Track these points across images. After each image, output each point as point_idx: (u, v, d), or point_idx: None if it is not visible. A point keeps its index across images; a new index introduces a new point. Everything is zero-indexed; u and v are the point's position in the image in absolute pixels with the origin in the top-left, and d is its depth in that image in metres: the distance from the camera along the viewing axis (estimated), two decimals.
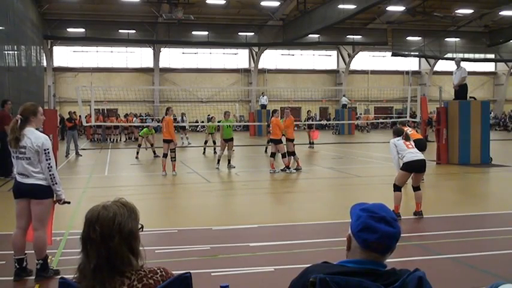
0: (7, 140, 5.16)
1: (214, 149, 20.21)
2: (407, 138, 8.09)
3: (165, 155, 13.62)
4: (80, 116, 26.57)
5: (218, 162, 14.85)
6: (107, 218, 1.97)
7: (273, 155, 14.23)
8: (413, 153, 7.85)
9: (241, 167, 15.54)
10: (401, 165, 7.94)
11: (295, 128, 17.19)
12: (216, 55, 44.10)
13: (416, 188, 7.99)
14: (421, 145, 9.54)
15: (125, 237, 1.98)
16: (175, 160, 13.68)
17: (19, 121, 5.08)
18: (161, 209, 9.56)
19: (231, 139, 15.16)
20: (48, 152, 5.11)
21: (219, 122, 18.29)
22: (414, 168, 7.84)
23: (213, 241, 6.69)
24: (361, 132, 37.80)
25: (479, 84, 47.98)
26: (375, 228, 1.87)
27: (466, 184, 12.35)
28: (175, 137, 13.90)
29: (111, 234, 1.96)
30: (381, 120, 39.32)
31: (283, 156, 14.07)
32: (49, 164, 5.10)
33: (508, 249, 6.30)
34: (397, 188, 7.87)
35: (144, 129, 19.54)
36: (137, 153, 18.76)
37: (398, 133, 8.24)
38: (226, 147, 15.12)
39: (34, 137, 5.10)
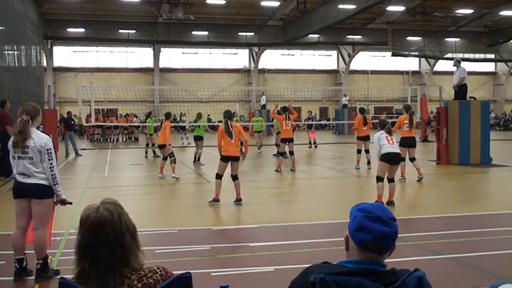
0: (13, 141, 5.13)
1: None
2: (389, 132, 8.76)
3: (164, 158, 13.22)
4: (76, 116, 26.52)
5: (196, 159, 15.96)
6: (114, 219, 1.99)
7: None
8: (391, 147, 8.57)
9: (240, 167, 15.51)
10: (379, 156, 8.63)
11: (296, 128, 17.23)
12: (216, 55, 44.10)
13: (391, 180, 8.73)
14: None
15: (132, 233, 2.03)
16: (175, 162, 13.06)
17: (30, 122, 5.10)
18: (161, 209, 9.56)
19: (201, 138, 16.29)
20: (51, 152, 5.12)
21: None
22: (390, 159, 8.51)
23: (213, 241, 6.70)
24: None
25: (479, 84, 47.99)
26: (370, 228, 1.87)
27: (466, 184, 12.34)
28: (169, 141, 13.18)
29: (123, 233, 1.99)
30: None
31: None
32: (51, 164, 5.11)
33: (508, 249, 6.30)
34: (379, 179, 8.58)
35: (148, 120, 19.67)
36: (146, 152, 18.90)
37: (382, 125, 8.98)
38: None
39: (37, 137, 5.12)
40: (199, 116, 17.33)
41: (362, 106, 18.05)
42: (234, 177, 9.18)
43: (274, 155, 17.99)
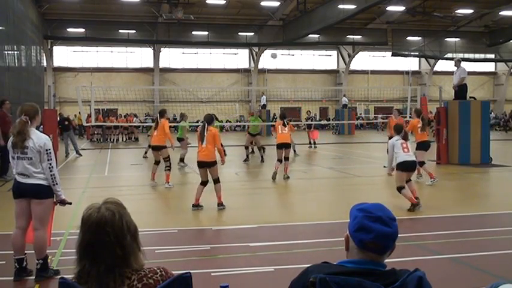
0: (12, 141, 5.13)
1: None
2: (405, 137, 8.76)
3: (157, 162, 11.72)
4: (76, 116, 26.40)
5: (181, 160, 15.66)
6: (115, 219, 1.99)
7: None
8: (407, 155, 8.58)
9: (240, 167, 15.54)
10: (394, 164, 8.66)
11: (295, 128, 17.17)
12: (216, 55, 44.09)
13: (407, 181, 8.76)
14: None
15: (133, 234, 2.04)
16: (169, 170, 11.45)
17: (29, 122, 5.09)
18: (161, 209, 9.57)
19: (181, 139, 16.23)
20: (50, 152, 5.12)
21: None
22: (407, 167, 8.59)
23: (213, 241, 6.70)
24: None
25: (479, 84, 47.98)
26: (370, 228, 1.87)
27: (466, 184, 12.34)
28: (173, 141, 12.32)
29: (124, 234, 2.00)
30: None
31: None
32: (50, 164, 5.11)
33: (508, 249, 6.30)
34: (401, 188, 8.54)
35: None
36: (145, 152, 18.86)
37: (398, 130, 8.89)
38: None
39: (36, 137, 5.12)
40: (181, 116, 16.99)
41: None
42: (215, 181, 8.75)
43: (244, 160, 16.69)
